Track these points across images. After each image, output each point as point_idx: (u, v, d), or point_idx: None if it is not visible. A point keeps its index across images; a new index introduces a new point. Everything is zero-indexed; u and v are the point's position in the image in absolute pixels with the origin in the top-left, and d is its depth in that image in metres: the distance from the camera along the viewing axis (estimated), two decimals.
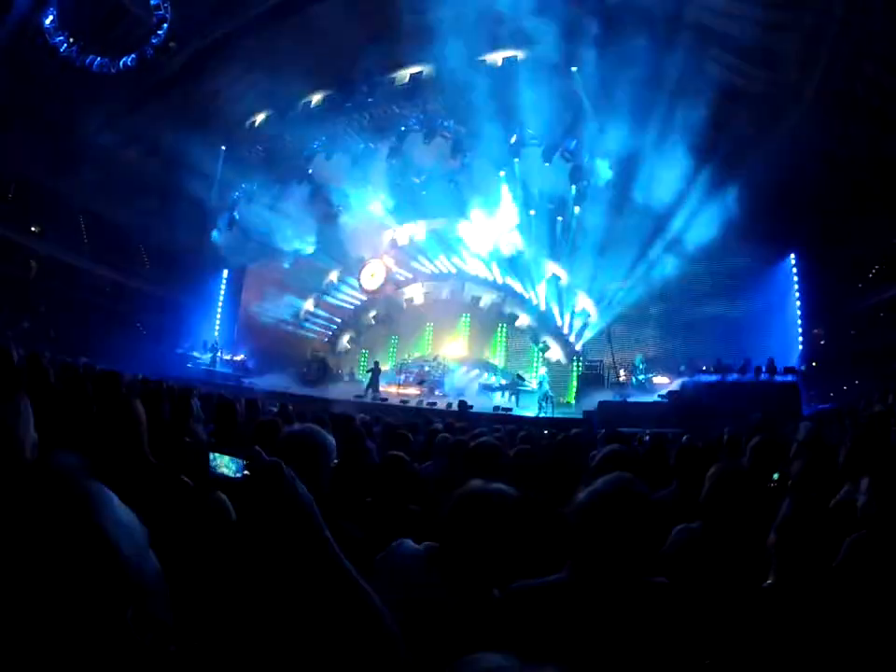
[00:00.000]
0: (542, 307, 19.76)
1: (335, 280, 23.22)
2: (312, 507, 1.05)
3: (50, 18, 16.75)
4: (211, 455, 1.12)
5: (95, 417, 2.08)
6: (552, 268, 19.44)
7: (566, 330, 19.58)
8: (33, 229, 21.72)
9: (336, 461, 1.76)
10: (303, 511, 1.04)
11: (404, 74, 19.22)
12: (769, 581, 1.81)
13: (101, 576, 0.64)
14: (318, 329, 23.24)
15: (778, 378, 15.03)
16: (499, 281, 20.38)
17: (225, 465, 1.10)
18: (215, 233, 22.59)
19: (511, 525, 1.70)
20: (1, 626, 0.60)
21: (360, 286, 22.88)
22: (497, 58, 18.01)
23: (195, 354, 21.28)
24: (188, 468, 1.94)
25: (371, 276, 22.73)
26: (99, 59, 17.19)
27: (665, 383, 16.86)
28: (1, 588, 0.61)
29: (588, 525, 1.71)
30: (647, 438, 6.44)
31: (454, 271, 20.81)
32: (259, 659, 1.13)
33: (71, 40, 16.91)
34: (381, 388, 18.86)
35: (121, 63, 17.13)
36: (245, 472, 1.06)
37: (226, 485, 1.14)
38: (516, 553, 1.70)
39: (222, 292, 24.21)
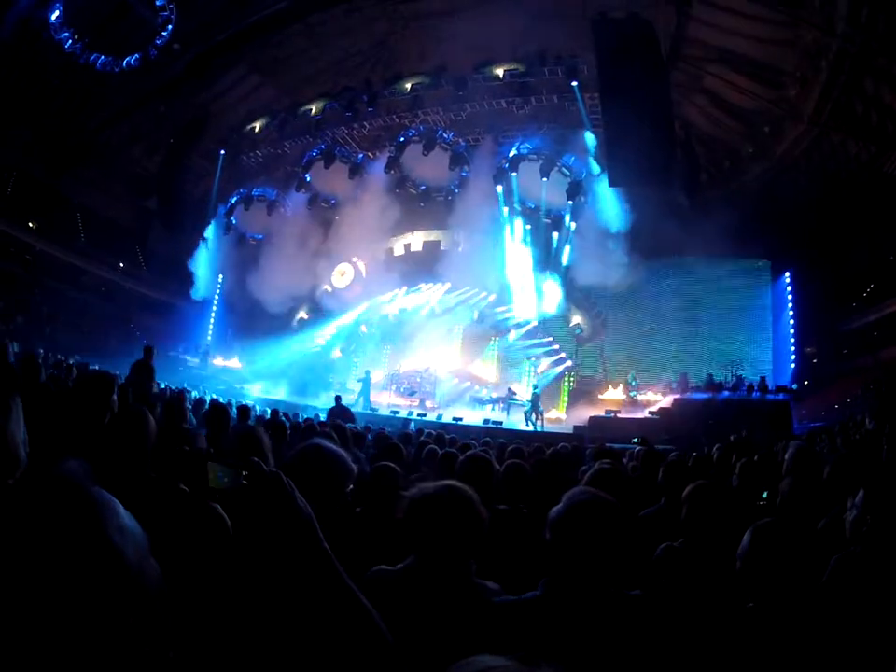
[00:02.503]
0: (535, 321, 19.71)
1: (329, 290, 23.11)
2: (311, 518, 1.08)
3: (56, 13, 16.70)
4: (210, 465, 1.13)
5: (102, 424, 2.09)
6: (546, 283, 19.40)
7: (557, 345, 19.57)
8: (30, 224, 21.63)
9: (352, 486, 1.70)
10: (302, 522, 1.06)
11: (405, 84, 19.29)
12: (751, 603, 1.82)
13: (106, 582, 0.66)
14: (312, 337, 23.03)
15: (770, 396, 15.08)
16: (494, 296, 20.31)
17: (224, 475, 1.12)
18: (210, 238, 22.53)
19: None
20: (4, 630, 0.62)
21: (331, 284, 22.75)
22: (498, 70, 18.09)
23: (187, 357, 21.16)
24: (186, 476, 1.95)
25: (341, 275, 22.68)
26: (103, 57, 17.15)
27: (657, 400, 16.89)
28: (5, 593, 0.63)
29: (560, 542, 1.74)
30: (638, 448, 6.44)
31: (448, 282, 20.79)
32: (257, 665, 1.15)
33: (76, 37, 16.87)
34: (372, 398, 18.77)
35: (125, 62, 17.11)
36: (245, 482, 1.08)
37: (224, 495, 1.15)
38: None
39: (217, 296, 24.10)
